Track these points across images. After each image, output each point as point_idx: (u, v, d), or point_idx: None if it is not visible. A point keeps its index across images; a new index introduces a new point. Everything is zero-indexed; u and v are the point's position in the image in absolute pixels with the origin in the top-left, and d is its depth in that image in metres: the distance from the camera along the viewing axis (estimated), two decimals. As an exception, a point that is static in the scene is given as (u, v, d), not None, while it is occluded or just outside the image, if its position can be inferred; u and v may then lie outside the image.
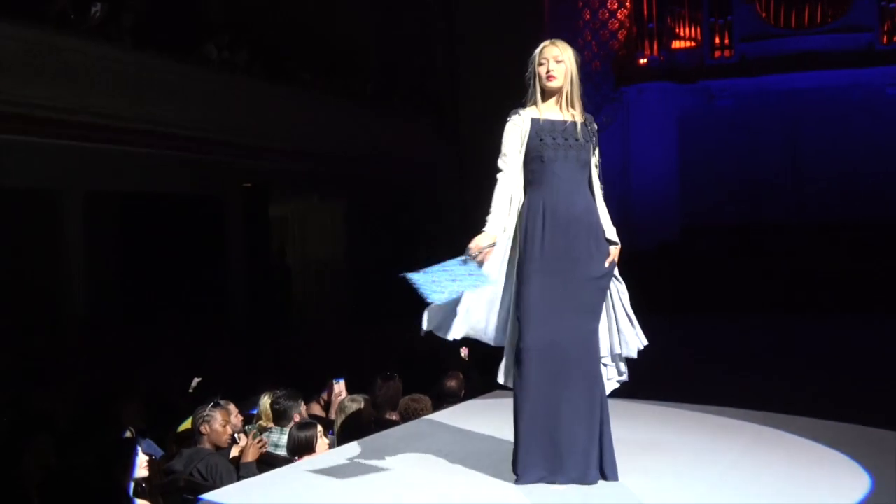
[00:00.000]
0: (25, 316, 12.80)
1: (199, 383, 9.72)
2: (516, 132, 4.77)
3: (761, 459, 5.30)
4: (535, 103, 4.80)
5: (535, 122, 4.77)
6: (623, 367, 4.91)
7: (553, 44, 4.79)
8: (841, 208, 20.13)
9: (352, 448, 5.75)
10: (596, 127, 4.90)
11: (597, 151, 4.85)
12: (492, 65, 19.50)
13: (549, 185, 4.73)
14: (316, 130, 17.23)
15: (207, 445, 6.08)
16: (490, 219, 4.73)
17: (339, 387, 7.97)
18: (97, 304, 13.62)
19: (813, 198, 20.62)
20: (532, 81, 4.79)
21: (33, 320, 12.85)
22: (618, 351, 4.82)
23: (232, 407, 6.49)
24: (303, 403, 6.89)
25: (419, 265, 4.43)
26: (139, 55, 13.66)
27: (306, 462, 5.62)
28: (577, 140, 4.74)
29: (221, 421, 6.16)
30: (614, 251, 4.75)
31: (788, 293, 17.75)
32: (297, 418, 6.58)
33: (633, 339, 4.83)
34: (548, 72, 4.73)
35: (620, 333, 4.82)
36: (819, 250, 18.92)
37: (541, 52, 4.77)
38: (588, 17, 22.37)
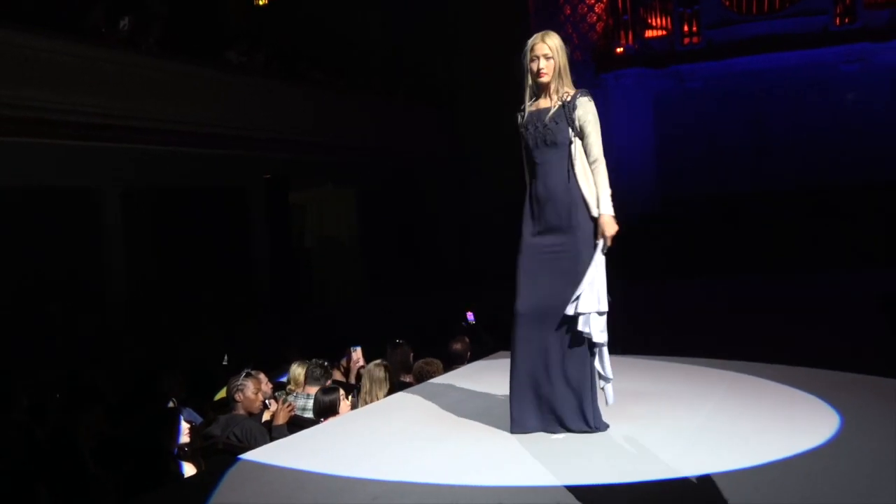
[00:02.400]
0: (74, 302, 12.83)
1: (230, 357, 9.77)
2: (521, 132, 4.84)
3: (741, 404, 5.31)
4: (529, 95, 4.80)
5: (522, 115, 4.82)
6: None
7: (542, 40, 4.72)
8: (801, 175, 20.07)
9: (371, 409, 5.77)
10: (581, 101, 4.69)
11: (583, 125, 4.66)
12: (484, 61, 19.45)
13: (532, 171, 4.79)
14: (328, 124, 17.20)
15: (241, 412, 6.10)
16: None
17: (357, 354, 8.00)
18: (137, 288, 13.64)
19: (775, 167, 20.56)
20: (525, 76, 4.77)
21: (81, 306, 12.89)
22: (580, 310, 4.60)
23: (262, 376, 6.50)
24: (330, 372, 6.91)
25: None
26: (167, 62, 13.63)
27: (331, 423, 5.64)
28: (545, 125, 4.68)
29: (253, 389, 6.18)
30: (599, 224, 4.61)
31: (756, 254, 17.76)
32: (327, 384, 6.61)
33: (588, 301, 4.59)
34: (539, 69, 4.69)
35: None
36: (782, 214, 18.92)
37: (531, 49, 4.72)
38: (569, 11, 22.25)
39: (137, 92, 12.89)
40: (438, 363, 7.20)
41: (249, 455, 4.80)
